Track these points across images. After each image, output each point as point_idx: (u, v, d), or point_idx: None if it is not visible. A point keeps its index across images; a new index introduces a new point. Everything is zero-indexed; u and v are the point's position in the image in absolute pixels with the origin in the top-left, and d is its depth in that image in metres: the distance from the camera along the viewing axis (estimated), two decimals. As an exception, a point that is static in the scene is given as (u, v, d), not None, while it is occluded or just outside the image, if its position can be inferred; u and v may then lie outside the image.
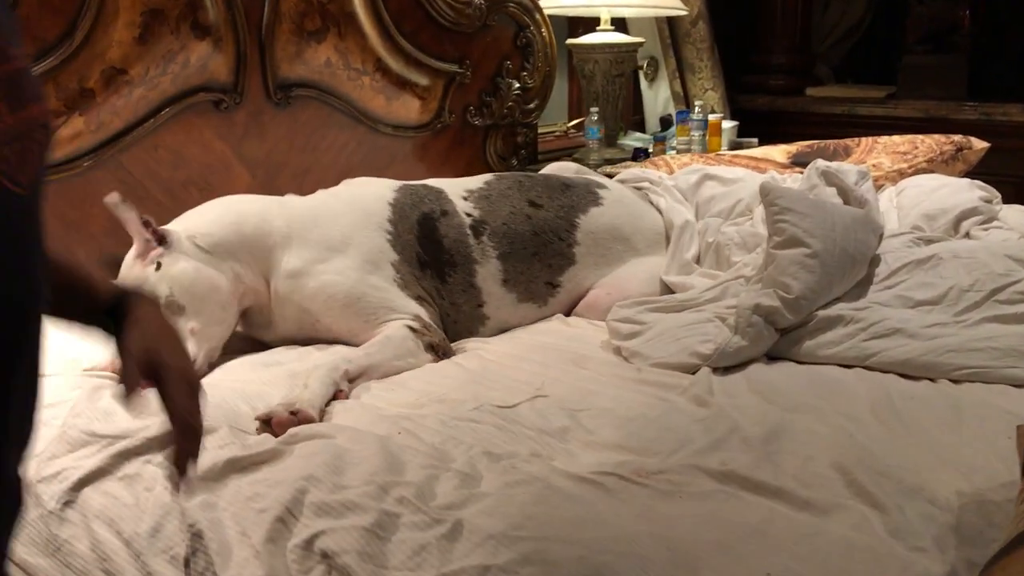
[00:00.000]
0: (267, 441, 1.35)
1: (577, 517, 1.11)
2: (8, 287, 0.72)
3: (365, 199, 1.92)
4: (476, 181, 2.10)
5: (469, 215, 1.97)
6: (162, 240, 1.74)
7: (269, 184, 2.56)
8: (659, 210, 2.12)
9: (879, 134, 3.26)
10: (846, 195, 1.97)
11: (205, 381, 1.59)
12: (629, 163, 3.32)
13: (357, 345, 1.76)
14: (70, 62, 2.12)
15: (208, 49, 2.36)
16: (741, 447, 1.28)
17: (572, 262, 2.01)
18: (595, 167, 3.11)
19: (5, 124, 0.69)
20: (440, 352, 1.76)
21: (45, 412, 1.51)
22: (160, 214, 2.36)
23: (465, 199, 2.00)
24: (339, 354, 1.67)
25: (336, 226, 1.84)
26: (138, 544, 1.22)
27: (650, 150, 3.43)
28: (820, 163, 2.07)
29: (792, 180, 2.17)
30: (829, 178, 1.98)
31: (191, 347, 1.65)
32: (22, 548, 1.32)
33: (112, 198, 1.74)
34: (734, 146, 3.59)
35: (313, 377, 1.55)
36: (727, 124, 3.59)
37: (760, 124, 3.82)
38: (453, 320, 1.89)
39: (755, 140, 3.65)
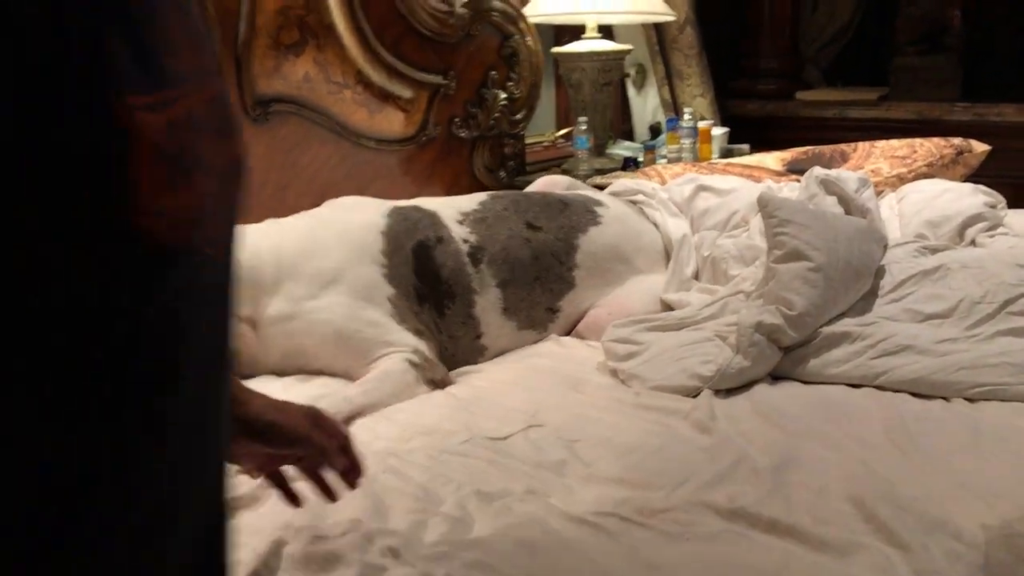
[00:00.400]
0: (243, 484, 1.26)
1: (575, 567, 1.02)
2: (200, 373, 0.54)
3: (356, 229, 1.79)
4: (470, 202, 1.98)
5: (466, 241, 1.86)
6: None
7: (249, 201, 2.48)
8: (656, 225, 2.04)
9: (872, 137, 3.20)
10: (847, 204, 1.89)
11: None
12: (619, 173, 3.25)
13: (351, 379, 1.67)
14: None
15: (181, 65, 2.27)
16: (750, 479, 1.20)
17: (572, 286, 1.92)
18: (584, 178, 3.04)
19: (215, 163, 0.51)
20: (442, 388, 1.67)
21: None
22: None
23: (460, 223, 1.88)
24: (337, 394, 1.57)
25: (327, 261, 1.72)
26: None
27: (640, 159, 3.36)
28: (818, 171, 2.00)
29: (789, 189, 2.10)
30: (829, 187, 1.91)
31: None
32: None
33: None
34: (725, 153, 3.52)
35: None
36: (717, 131, 3.53)
37: (751, 130, 3.77)
38: (451, 353, 1.79)
39: (746, 146, 3.59)
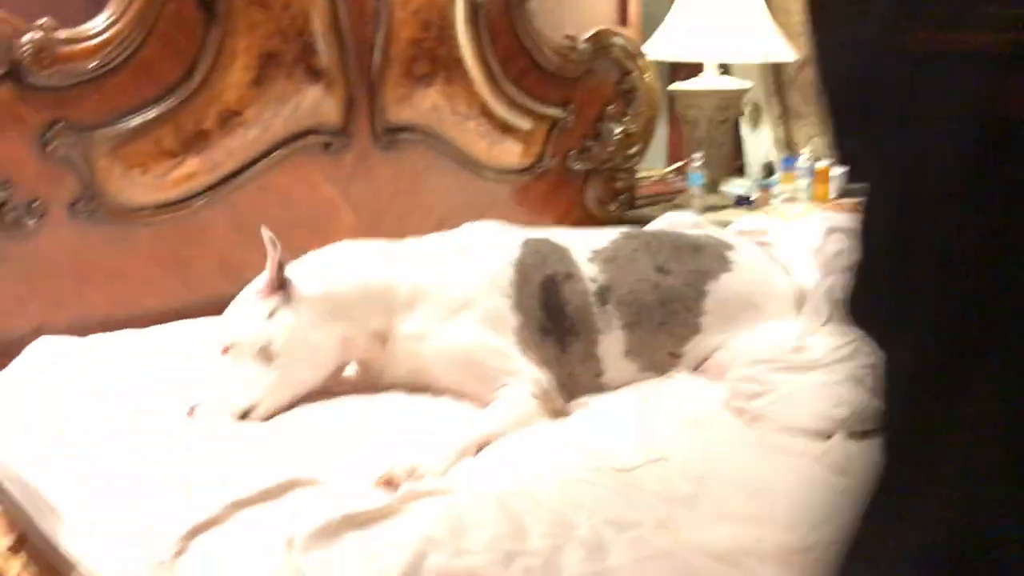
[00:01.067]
0: (383, 496, 1.30)
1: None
2: None
3: (489, 258, 1.85)
4: (602, 239, 1.98)
5: (594, 280, 1.86)
6: (284, 288, 1.72)
7: (374, 226, 2.56)
8: (787, 271, 2.02)
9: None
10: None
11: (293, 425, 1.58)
12: (733, 210, 3.24)
13: (473, 401, 1.72)
14: (188, 103, 2.16)
15: (320, 92, 2.38)
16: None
17: (697, 331, 1.89)
18: (698, 214, 3.03)
19: None
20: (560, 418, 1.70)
21: (145, 447, 1.51)
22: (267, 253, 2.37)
23: (591, 261, 1.89)
24: (467, 428, 1.60)
25: (459, 288, 1.79)
26: (251, 601, 1.19)
27: (753, 197, 3.34)
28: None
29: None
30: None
31: (256, 392, 1.65)
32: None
33: (267, 232, 1.76)
34: (843, 194, 3.47)
35: (444, 449, 1.49)
36: (836, 171, 3.48)
37: (866, 171, 3.70)
38: (569, 390, 1.80)
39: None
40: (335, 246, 1.90)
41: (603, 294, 1.85)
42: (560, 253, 1.88)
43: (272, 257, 1.73)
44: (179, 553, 1.31)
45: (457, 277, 1.80)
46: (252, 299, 1.75)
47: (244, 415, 1.64)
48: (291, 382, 1.70)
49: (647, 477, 1.39)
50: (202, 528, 1.31)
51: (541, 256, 1.86)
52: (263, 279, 1.77)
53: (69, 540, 1.45)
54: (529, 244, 1.89)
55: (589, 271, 1.87)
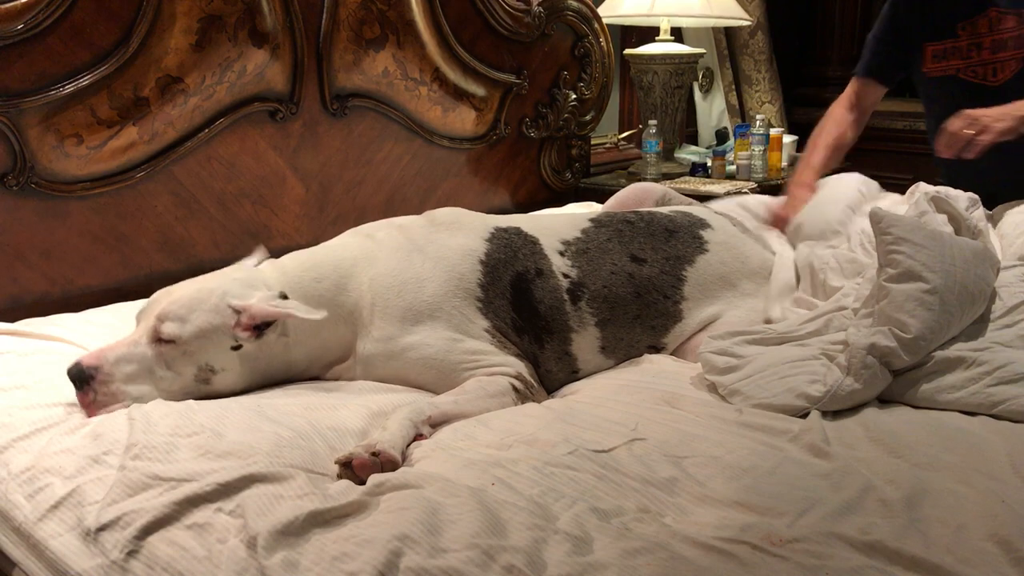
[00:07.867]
0: (350, 491, 1.23)
1: (716, 599, 0.98)
2: None
3: (454, 256, 1.70)
4: (572, 229, 1.86)
5: (566, 276, 1.76)
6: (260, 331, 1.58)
7: (323, 197, 2.47)
8: (766, 246, 1.97)
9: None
10: (957, 223, 1.83)
11: (270, 409, 1.48)
12: (688, 178, 3.20)
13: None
14: (125, 69, 2.03)
15: (265, 57, 2.26)
16: (880, 511, 1.15)
17: (678, 320, 1.83)
18: (652, 181, 2.99)
19: None
20: None
21: (95, 448, 1.41)
22: (211, 227, 2.26)
23: (562, 254, 1.79)
24: (424, 398, 1.55)
25: (421, 294, 1.65)
26: (212, 604, 1.11)
27: (708, 164, 3.31)
28: (927, 187, 1.93)
29: (889, 202, 2.04)
30: (939, 204, 1.84)
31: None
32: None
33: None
34: (793, 161, 3.46)
35: (393, 419, 1.44)
36: (787, 139, 3.47)
37: (817, 138, 3.69)
38: (546, 386, 1.73)
39: (815, 155, 3.52)
40: (297, 258, 1.73)
41: (575, 291, 1.76)
42: (529, 247, 1.78)
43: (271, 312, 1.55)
44: (132, 553, 1.22)
45: (417, 282, 1.66)
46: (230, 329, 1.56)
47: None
48: (185, 376, 1.58)
49: (626, 459, 1.34)
50: (154, 527, 1.23)
51: (511, 251, 1.75)
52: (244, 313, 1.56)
53: (8, 538, 1.35)
54: (497, 236, 1.77)
55: (560, 265, 1.77)
